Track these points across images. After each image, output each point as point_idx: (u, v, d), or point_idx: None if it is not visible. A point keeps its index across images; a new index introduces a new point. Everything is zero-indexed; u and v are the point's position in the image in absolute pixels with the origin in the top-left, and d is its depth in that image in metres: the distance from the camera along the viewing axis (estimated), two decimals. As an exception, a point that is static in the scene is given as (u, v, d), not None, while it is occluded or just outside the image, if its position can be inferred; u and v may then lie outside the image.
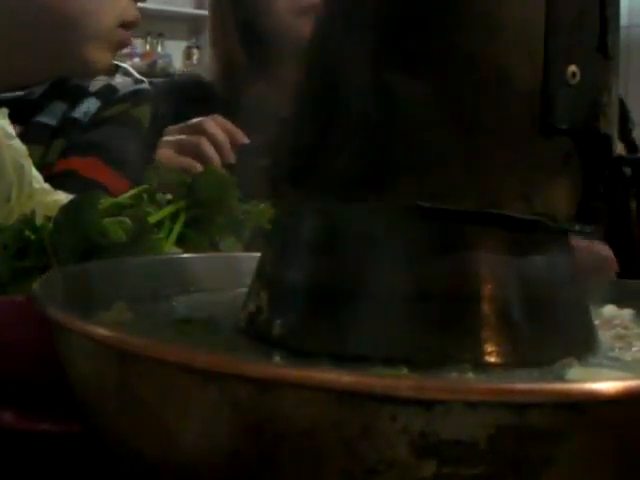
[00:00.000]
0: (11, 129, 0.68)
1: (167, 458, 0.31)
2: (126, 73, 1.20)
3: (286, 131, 0.42)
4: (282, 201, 0.43)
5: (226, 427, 0.29)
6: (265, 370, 0.28)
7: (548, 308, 0.39)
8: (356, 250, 0.38)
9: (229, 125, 1.07)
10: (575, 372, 0.36)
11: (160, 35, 4.66)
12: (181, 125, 1.08)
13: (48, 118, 1.09)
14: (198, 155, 1.07)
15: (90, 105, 1.12)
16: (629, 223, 0.42)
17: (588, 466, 0.28)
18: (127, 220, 0.56)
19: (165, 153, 1.07)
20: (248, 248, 0.62)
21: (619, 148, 0.40)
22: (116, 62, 1.20)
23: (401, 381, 0.27)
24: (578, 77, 0.38)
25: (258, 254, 0.44)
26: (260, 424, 0.28)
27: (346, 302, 0.37)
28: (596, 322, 0.44)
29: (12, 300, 0.50)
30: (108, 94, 1.14)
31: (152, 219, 0.58)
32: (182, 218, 0.61)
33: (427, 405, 0.26)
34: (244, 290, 0.43)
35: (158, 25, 4.54)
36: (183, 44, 4.71)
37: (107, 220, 0.55)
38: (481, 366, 0.36)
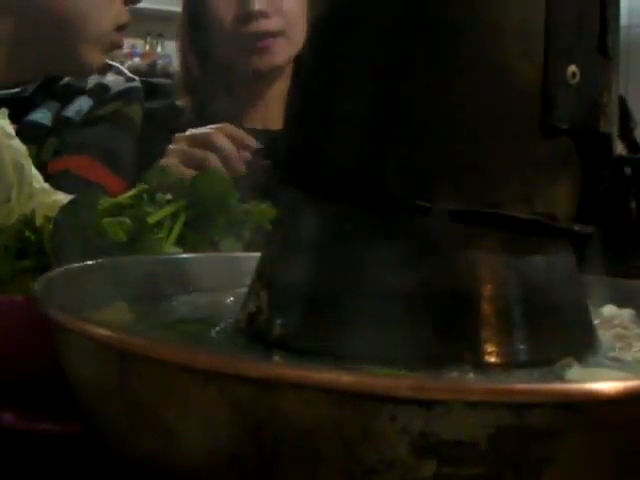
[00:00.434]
0: (11, 129, 0.68)
1: (167, 458, 0.31)
2: (118, 72, 1.20)
3: (286, 131, 0.42)
4: (282, 201, 0.43)
5: (226, 427, 0.29)
6: (265, 370, 0.28)
7: (548, 308, 0.39)
8: (356, 250, 0.38)
9: (238, 132, 1.06)
10: (575, 372, 0.36)
11: (160, 35, 4.65)
12: (190, 134, 1.07)
13: (41, 117, 1.10)
14: (204, 169, 1.06)
15: (83, 104, 1.13)
16: (629, 223, 0.42)
17: (588, 466, 0.28)
18: (127, 220, 0.56)
19: (171, 163, 1.07)
20: (248, 248, 0.62)
21: (620, 147, 0.40)
22: (108, 61, 1.21)
23: (401, 381, 0.27)
24: (578, 77, 0.38)
25: (258, 254, 0.44)
26: (260, 424, 0.28)
27: (346, 302, 0.37)
28: (596, 322, 0.44)
29: (12, 300, 0.50)
30: (100, 93, 1.15)
31: (152, 219, 0.58)
32: (182, 218, 0.61)
33: (427, 405, 0.26)
34: (244, 290, 0.43)
35: (158, 25, 4.54)
36: (183, 44, 4.70)
37: (107, 220, 0.55)
38: (481, 366, 0.36)
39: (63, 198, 0.64)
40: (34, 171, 0.68)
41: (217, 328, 0.42)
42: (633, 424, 0.28)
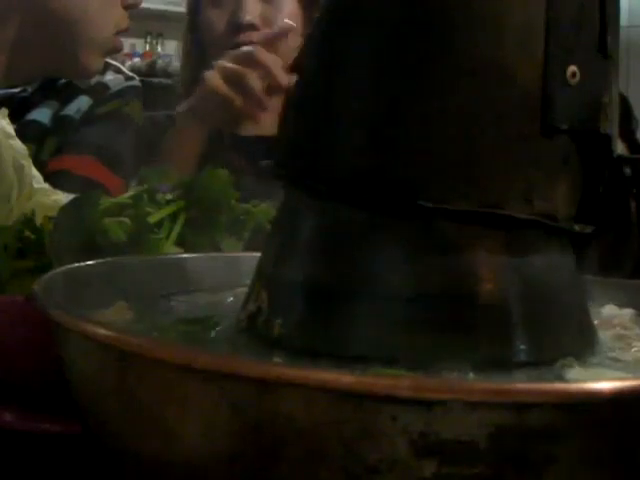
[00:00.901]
0: (11, 129, 0.68)
1: (167, 458, 0.31)
2: (117, 71, 1.20)
3: (286, 131, 0.42)
4: (282, 201, 0.43)
5: (226, 427, 0.29)
6: (265, 370, 0.28)
7: (548, 308, 0.39)
8: (356, 250, 0.38)
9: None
10: (575, 372, 0.36)
11: (160, 35, 4.65)
12: (235, 53, 1.12)
13: (40, 116, 1.10)
14: (243, 87, 1.09)
15: (82, 103, 1.13)
16: (629, 223, 0.42)
17: (588, 466, 0.28)
18: (127, 220, 0.56)
19: (214, 79, 1.10)
20: (248, 248, 0.62)
21: (621, 147, 0.40)
22: (107, 60, 1.21)
23: (401, 381, 0.27)
24: (578, 77, 0.38)
25: (258, 254, 0.44)
26: (260, 424, 0.28)
27: (346, 302, 0.37)
28: (596, 322, 0.44)
29: (12, 300, 0.50)
30: (100, 91, 1.15)
31: (152, 219, 0.58)
32: (182, 218, 0.61)
33: (427, 405, 0.26)
34: (244, 290, 0.43)
35: (158, 25, 4.54)
36: (183, 44, 4.70)
37: (107, 220, 0.55)
38: (481, 366, 0.36)
39: (63, 198, 0.64)
40: (34, 171, 0.68)
41: (217, 328, 0.42)
42: (633, 424, 0.28)
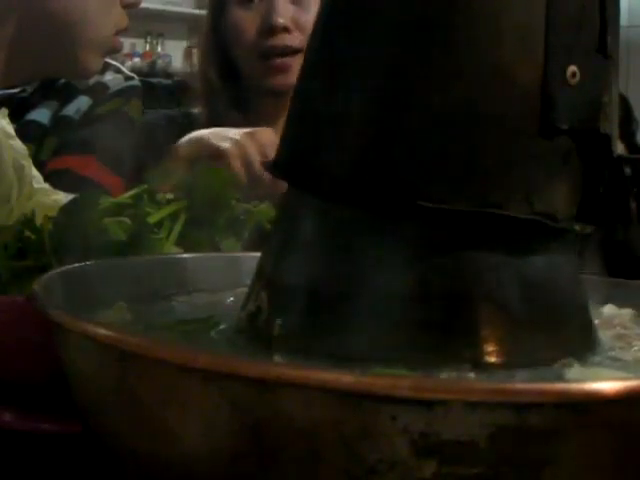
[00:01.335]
0: (11, 129, 0.68)
1: (167, 458, 0.31)
2: (117, 70, 1.20)
3: (286, 131, 0.42)
4: (282, 201, 0.43)
5: (226, 427, 0.29)
6: (265, 370, 0.28)
7: (548, 308, 0.39)
8: (356, 250, 0.38)
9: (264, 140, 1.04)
10: (575, 372, 0.36)
11: (160, 35, 4.65)
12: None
13: (40, 116, 1.10)
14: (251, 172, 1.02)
15: (81, 103, 1.13)
16: (629, 223, 0.42)
17: (588, 466, 0.28)
18: (127, 220, 0.56)
19: (233, 157, 1.02)
20: (248, 248, 0.62)
21: (620, 148, 0.40)
22: (107, 60, 1.20)
23: (401, 381, 0.27)
24: (578, 77, 0.38)
25: (258, 254, 0.44)
26: (260, 424, 0.28)
27: (346, 302, 0.37)
28: (596, 322, 0.44)
29: (12, 300, 0.50)
30: (99, 91, 1.15)
31: (152, 219, 0.58)
32: (182, 218, 0.61)
33: (427, 405, 0.26)
34: (244, 290, 0.43)
35: (158, 25, 4.54)
36: (183, 44, 4.71)
37: (107, 220, 0.55)
38: (481, 366, 0.36)
39: (63, 198, 0.64)
40: (34, 171, 0.68)
41: (217, 328, 0.42)
42: (633, 424, 0.28)
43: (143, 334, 0.40)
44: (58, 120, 1.11)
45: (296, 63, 1.20)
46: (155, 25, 4.49)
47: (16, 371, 0.49)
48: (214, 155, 1.00)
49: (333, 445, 0.27)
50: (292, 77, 1.21)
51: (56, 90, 1.12)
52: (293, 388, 0.27)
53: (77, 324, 0.33)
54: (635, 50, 3.16)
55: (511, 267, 0.38)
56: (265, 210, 0.65)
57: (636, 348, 0.42)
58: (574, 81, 0.37)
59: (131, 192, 0.62)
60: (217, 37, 1.27)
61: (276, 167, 0.42)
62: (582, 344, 0.40)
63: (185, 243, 0.60)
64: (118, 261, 0.51)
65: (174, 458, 0.31)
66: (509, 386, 0.27)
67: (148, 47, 4.63)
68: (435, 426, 0.27)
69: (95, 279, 0.46)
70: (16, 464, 0.45)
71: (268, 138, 1.02)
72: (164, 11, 4.40)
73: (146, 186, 0.63)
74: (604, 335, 0.43)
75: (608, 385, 0.27)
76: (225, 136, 1.02)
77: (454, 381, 0.32)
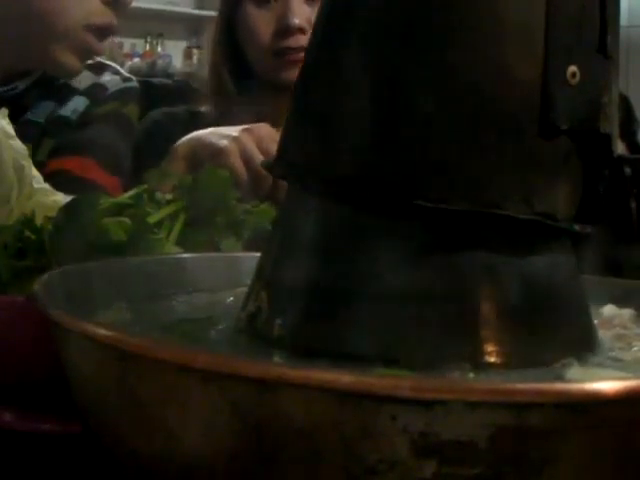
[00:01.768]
0: (11, 129, 0.68)
1: (167, 458, 0.31)
2: (115, 72, 1.20)
3: (287, 131, 0.42)
4: (282, 201, 0.43)
5: (226, 427, 0.29)
6: (265, 370, 0.28)
7: (548, 308, 0.39)
8: (356, 250, 0.38)
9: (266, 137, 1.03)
10: (575, 372, 0.36)
11: (160, 35, 4.65)
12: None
13: (37, 116, 1.09)
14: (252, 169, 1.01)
15: (79, 103, 1.12)
16: (629, 223, 0.42)
17: (588, 466, 0.28)
18: (127, 220, 0.56)
19: (233, 156, 1.00)
20: (248, 248, 0.62)
21: (621, 148, 0.40)
22: (104, 61, 1.20)
23: (401, 381, 0.27)
24: (578, 77, 0.38)
25: (258, 254, 0.44)
26: (260, 424, 0.28)
27: (346, 302, 0.37)
28: (596, 322, 0.44)
29: (12, 300, 0.50)
30: (97, 92, 1.14)
31: (152, 219, 0.58)
32: (182, 218, 0.61)
33: (427, 405, 0.26)
34: (244, 290, 0.43)
35: (158, 25, 4.54)
36: (183, 44, 4.71)
37: (107, 220, 0.55)
38: (481, 366, 0.36)
39: (63, 198, 0.64)
40: (34, 171, 0.68)
41: (217, 328, 0.42)
42: (633, 424, 0.28)
43: (143, 334, 0.40)
44: (54, 120, 1.10)
45: None
46: (155, 25, 4.49)
47: (16, 371, 0.49)
48: (213, 154, 0.99)
49: (333, 445, 0.27)
50: None
51: (53, 90, 1.12)
52: (293, 388, 0.27)
53: (77, 324, 0.33)
54: (635, 50, 3.16)
55: (511, 267, 0.38)
56: (265, 210, 0.65)
57: (636, 348, 0.42)
58: (574, 81, 0.37)
59: (131, 192, 0.62)
60: (230, 35, 1.26)
61: (276, 167, 0.42)
62: (582, 344, 0.40)
63: (185, 243, 0.60)
64: (118, 261, 0.51)
65: (174, 458, 0.31)
66: (509, 386, 0.27)
67: (148, 47, 4.63)
68: (435, 426, 0.27)
69: (95, 279, 0.46)
70: (16, 464, 0.45)
71: (266, 132, 1.01)
72: (164, 11, 4.40)
73: (146, 186, 0.63)
74: (604, 335, 0.43)
75: (608, 385, 0.27)
76: (223, 134, 1.02)
77: (454, 381, 0.32)
